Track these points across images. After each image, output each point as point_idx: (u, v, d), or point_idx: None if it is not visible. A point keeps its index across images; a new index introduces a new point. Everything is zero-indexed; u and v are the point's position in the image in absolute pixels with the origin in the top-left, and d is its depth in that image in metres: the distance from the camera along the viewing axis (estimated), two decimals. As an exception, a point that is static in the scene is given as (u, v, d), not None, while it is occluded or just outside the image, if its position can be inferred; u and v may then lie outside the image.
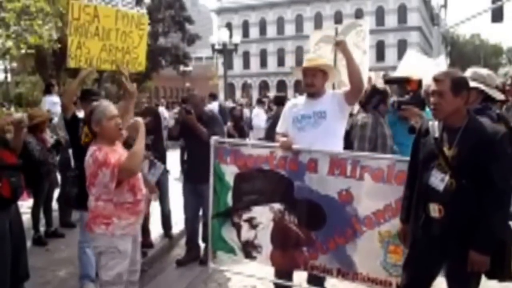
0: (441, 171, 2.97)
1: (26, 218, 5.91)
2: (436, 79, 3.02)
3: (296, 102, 4.52)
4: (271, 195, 4.19)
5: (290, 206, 4.11)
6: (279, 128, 4.41)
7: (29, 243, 5.64)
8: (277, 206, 4.15)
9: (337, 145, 4.18)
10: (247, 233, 4.32)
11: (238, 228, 4.36)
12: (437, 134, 3.05)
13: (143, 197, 3.63)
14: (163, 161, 6.20)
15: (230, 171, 4.33)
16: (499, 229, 2.87)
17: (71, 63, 4.37)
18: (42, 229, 6.54)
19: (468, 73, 4.04)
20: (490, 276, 3.06)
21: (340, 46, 4.12)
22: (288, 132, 4.28)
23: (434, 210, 2.99)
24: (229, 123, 10.12)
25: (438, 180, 2.97)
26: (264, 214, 4.22)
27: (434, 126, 3.11)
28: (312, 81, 4.19)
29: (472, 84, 3.77)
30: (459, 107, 2.98)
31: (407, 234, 3.31)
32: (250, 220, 4.30)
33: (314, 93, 4.24)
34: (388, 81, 5.85)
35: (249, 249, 4.34)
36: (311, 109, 4.17)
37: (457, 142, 2.93)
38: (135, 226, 3.63)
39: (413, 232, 3.21)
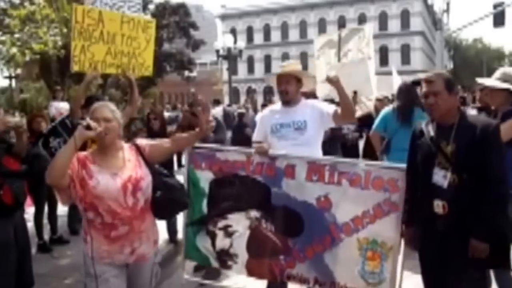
0: (442, 168, 3.04)
1: (31, 225, 5.92)
2: (428, 80, 3.11)
3: (273, 110, 4.41)
4: (247, 201, 4.07)
5: (267, 213, 4.00)
6: (255, 137, 4.33)
7: (33, 250, 5.64)
8: (254, 213, 4.04)
9: (315, 155, 4.12)
10: (222, 241, 4.20)
11: (212, 236, 4.24)
12: (432, 133, 3.13)
13: (121, 224, 2.97)
14: (170, 165, 6.17)
15: (205, 177, 4.21)
16: (499, 217, 2.95)
17: (75, 67, 4.36)
18: (46, 236, 6.54)
19: (498, 74, 4.05)
20: (493, 266, 3.22)
21: (332, 82, 3.91)
22: (266, 140, 4.19)
23: (438, 206, 3.04)
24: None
25: (441, 177, 3.04)
26: (240, 222, 4.10)
27: (428, 126, 3.20)
28: (286, 88, 4.11)
29: (503, 85, 3.87)
30: (453, 105, 3.10)
31: (412, 236, 3.36)
32: (225, 228, 4.18)
33: (289, 100, 4.16)
34: (415, 83, 5.81)
35: (224, 258, 4.22)
36: (290, 118, 4.09)
37: (453, 138, 3.02)
38: (115, 255, 3.01)
39: (420, 232, 3.27)
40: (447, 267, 3.13)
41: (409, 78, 6.64)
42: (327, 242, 3.74)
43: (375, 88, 8.55)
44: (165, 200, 3.11)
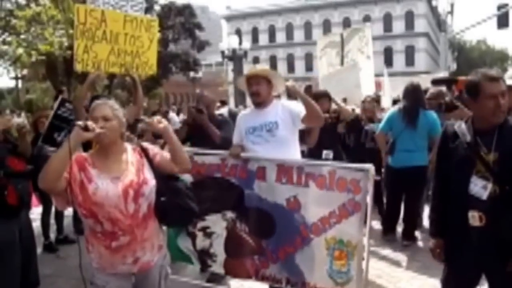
0: (482, 178, 2.77)
1: (37, 225, 5.94)
2: (496, 78, 2.77)
3: (246, 113, 4.45)
4: (223, 203, 4.14)
5: (241, 214, 4.08)
6: (234, 140, 4.36)
7: (39, 250, 5.65)
8: (230, 214, 4.13)
9: (292, 155, 4.09)
10: (202, 242, 4.30)
11: (193, 237, 4.34)
12: (468, 138, 2.84)
13: (122, 233, 2.76)
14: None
15: (185, 180, 4.26)
16: None
17: (78, 67, 4.39)
18: (52, 235, 6.57)
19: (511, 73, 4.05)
20: None
21: (291, 92, 3.97)
22: (243, 143, 4.22)
23: (474, 218, 2.79)
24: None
25: (480, 187, 2.77)
26: (217, 223, 4.19)
27: (462, 129, 2.91)
28: (257, 90, 4.08)
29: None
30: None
31: (442, 248, 3.11)
32: (204, 229, 4.26)
33: (260, 102, 4.14)
34: (435, 82, 5.80)
35: (204, 258, 4.33)
36: (262, 120, 4.09)
37: (496, 146, 2.75)
38: (118, 265, 2.83)
39: (451, 244, 3.04)
40: (478, 281, 2.98)
41: (414, 80, 6.64)
42: (297, 243, 3.79)
43: (369, 91, 8.54)
44: (170, 206, 2.92)
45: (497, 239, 2.74)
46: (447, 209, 3.03)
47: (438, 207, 3.13)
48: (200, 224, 4.27)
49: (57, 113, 5.41)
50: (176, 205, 2.96)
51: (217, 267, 4.29)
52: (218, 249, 4.23)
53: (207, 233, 4.26)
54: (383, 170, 6.49)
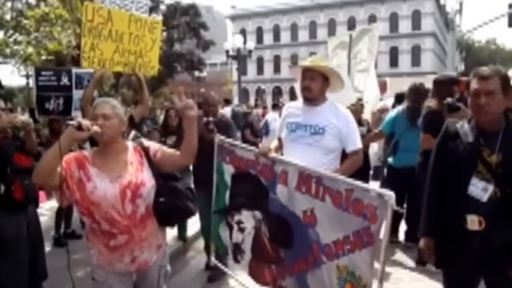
0: (482, 180, 2.69)
1: (44, 219, 6.04)
2: (483, 77, 2.69)
3: (293, 106, 4.09)
4: (254, 202, 3.91)
5: (265, 217, 3.81)
6: (278, 133, 4.18)
7: (48, 244, 5.74)
8: (258, 214, 3.88)
9: (332, 164, 3.77)
10: (236, 235, 4.18)
11: (230, 228, 4.23)
12: (471, 139, 2.76)
13: (120, 233, 2.78)
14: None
15: (228, 171, 4.18)
16: None
17: (84, 64, 4.48)
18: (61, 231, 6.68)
19: None
20: None
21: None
22: (282, 138, 3.99)
23: (473, 222, 2.70)
24: (247, 130, 10.20)
25: (480, 189, 2.69)
26: (249, 220, 4.00)
27: (465, 128, 2.83)
28: (310, 85, 3.75)
29: None
30: (505, 108, 2.72)
31: (432, 249, 3.02)
32: (238, 223, 4.14)
33: (310, 98, 3.81)
34: (437, 83, 5.79)
35: (236, 252, 4.21)
36: (308, 120, 3.78)
37: (500, 147, 2.66)
38: (116, 263, 2.87)
39: (447, 248, 2.93)
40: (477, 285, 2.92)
41: (420, 80, 6.68)
42: (310, 261, 3.42)
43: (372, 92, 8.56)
44: (168, 207, 2.93)
45: (496, 243, 2.67)
46: (441, 209, 2.93)
47: (433, 206, 3.01)
48: (236, 217, 4.14)
49: (39, 85, 5.43)
50: (175, 206, 2.97)
51: (244, 265, 4.14)
52: (247, 246, 4.05)
53: (241, 228, 4.12)
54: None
